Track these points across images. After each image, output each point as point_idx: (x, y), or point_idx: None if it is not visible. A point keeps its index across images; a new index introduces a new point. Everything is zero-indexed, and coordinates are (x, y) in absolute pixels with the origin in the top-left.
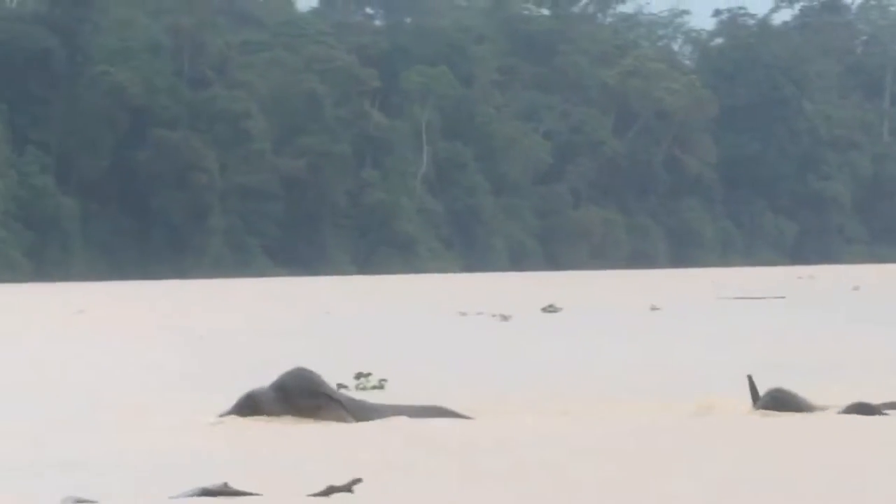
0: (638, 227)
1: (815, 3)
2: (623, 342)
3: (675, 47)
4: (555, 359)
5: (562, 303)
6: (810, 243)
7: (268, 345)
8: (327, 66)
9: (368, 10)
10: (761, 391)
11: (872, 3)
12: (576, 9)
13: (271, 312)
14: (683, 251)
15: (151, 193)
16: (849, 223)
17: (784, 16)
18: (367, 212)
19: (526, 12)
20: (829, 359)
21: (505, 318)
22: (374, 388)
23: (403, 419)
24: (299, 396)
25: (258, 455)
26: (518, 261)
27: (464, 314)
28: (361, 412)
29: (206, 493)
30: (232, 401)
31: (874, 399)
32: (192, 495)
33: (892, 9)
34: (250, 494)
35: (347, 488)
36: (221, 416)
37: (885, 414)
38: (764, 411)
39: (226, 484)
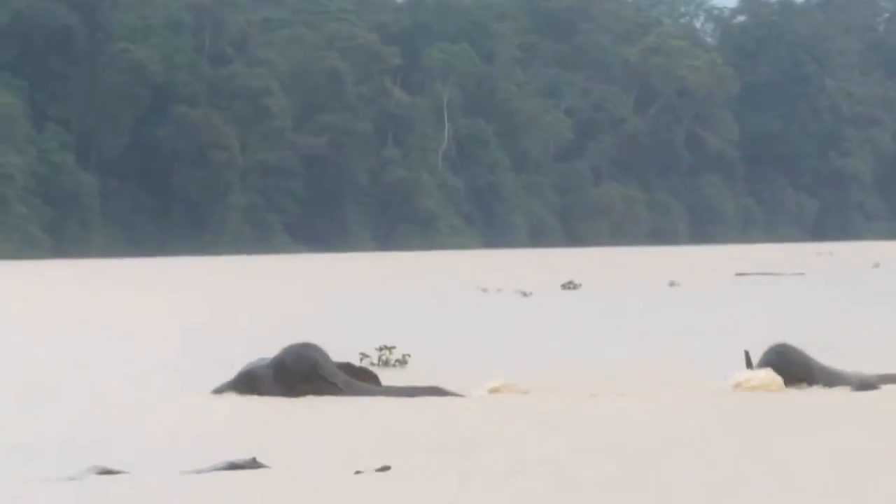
0: (658, 205)
1: None
2: (640, 319)
3: (697, 25)
4: (572, 338)
5: (581, 279)
6: (831, 220)
7: (288, 321)
8: (348, 43)
9: None
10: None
11: None
12: None
13: (292, 289)
14: (704, 228)
15: (171, 171)
16: (869, 200)
17: None
18: (388, 189)
19: None
20: (844, 336)
21: (525, 294)
22: (397, 362)
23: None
24: (296, 378)
25: (278, 432)
26: (538, 237)
27: (484, 290)
28: (358, 395)
29: (235, 466)
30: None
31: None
32: (221, 469)
33: None
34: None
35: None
36: (217, 390)
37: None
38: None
39: (254, 459)
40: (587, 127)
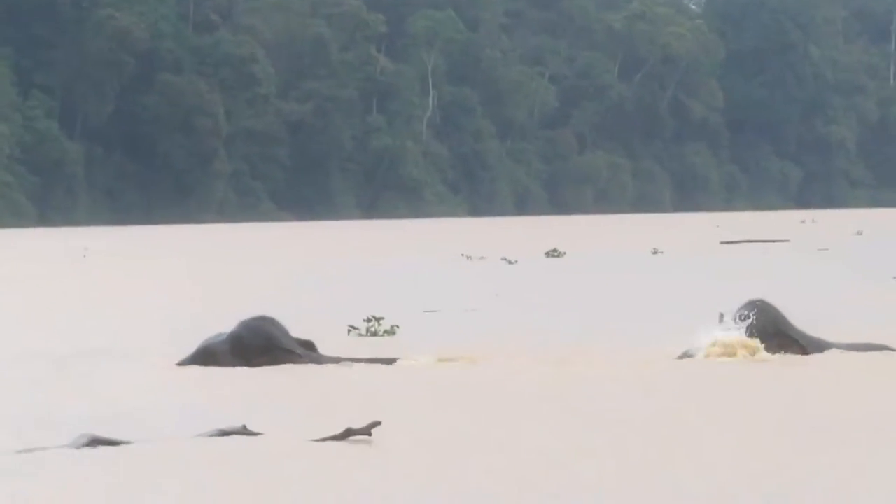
0: (643, 172)
1: None
2: (621, 287)
3: None
4: (554, 304)
5: (565, 247)
6: (815, 188)
7: (273, 291)
8: (334, 10)
9: None
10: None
11: None
12: None
13: (277, 258)
14: (688, 195)
15: (156, 138)
16: (854, 167)
17: None
18: (373, 156)
19: None
20: (825, 302)
21: (510, 262)
22: (385, 333)
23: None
24: (253, 350)
25: (255, 399)
26: (523, 205)
27: (469, 258)
28: (319, 364)
29: (225, 433)
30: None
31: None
32: (211, 436)
33: None
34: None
35: (366, 431)
36: (180, 363)
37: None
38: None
39: (244, 426)
40: (572, 94)
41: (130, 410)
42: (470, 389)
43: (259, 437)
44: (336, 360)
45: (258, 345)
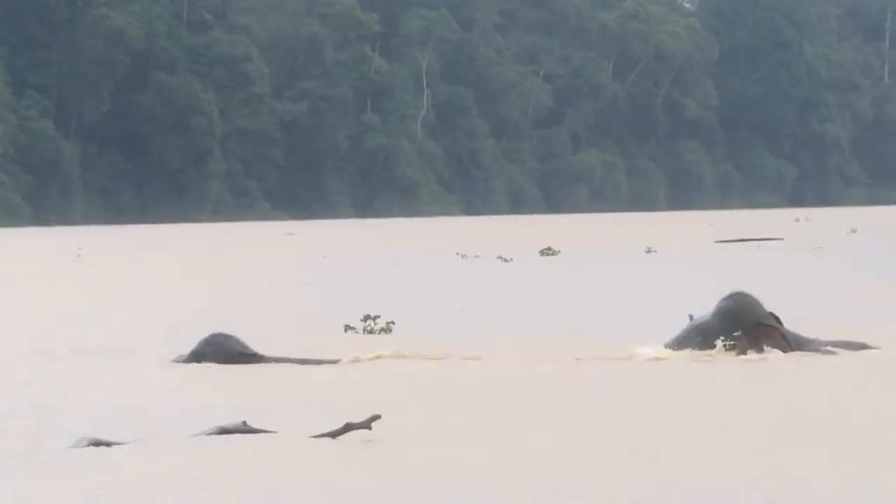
0: (638, 171)
1: None
2: (612, 285)
3: None
4: (548, 302)
5: (560, 246)
6: (810, 186)
7: (269, 289)
8: (328, 9)
9: None
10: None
11: None
12: None
13: (272, 256)
14: (683, 194)
15: (151, 137)
16: (848, 165)
17: None
18: (368, 156)
19: None
20: (817, 300)
21: (506, 260)
22: (382, 330)
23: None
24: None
25: (260, 396)
26: (518, 204)
27: (463, 257)
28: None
29: (225, 431)
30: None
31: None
32: (212, 433)
33: None
34: (268, 432)
35: (366, 426)
36: (175, 360)
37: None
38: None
39: (244, 422)
40: (566, 93)
41: (128, 410)
42: (466, 387)
43: (259, 434)
44: (282, 360)
45: (221, 356)
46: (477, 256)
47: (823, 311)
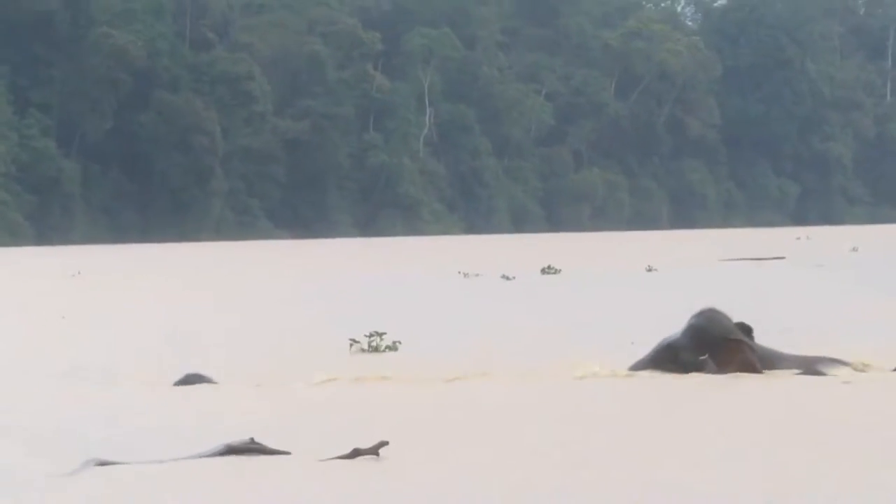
0: (640, 189)
1: None
2: (611, 304)
3: (678, 8)
4: (550, 320)
5: (561, 264)
6: (813, 204)
7: (271, 307)
8: (330, 28)
9: None
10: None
11: None
12: None
13: (275, 275)
14: (686, 213)
15: (153, 156)
16: (851, 184)
17: None
18: (370, 174)
19: None
20: (816, 318)
21: (509, 278)
22: (387, 348)
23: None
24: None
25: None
26: (520, 223)
27: (465, 275)
28: None
29: (233, 450)
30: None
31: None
32: (219, 453)
33: None
34: (278, 452)
35: (374, 451)
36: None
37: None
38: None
39: (252, 440)
40: (568, 112)
41: (131, 430)
42: (471, 406)
43: (266, 457)
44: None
45: None
46: (478, 275)
47: (822, 328)
